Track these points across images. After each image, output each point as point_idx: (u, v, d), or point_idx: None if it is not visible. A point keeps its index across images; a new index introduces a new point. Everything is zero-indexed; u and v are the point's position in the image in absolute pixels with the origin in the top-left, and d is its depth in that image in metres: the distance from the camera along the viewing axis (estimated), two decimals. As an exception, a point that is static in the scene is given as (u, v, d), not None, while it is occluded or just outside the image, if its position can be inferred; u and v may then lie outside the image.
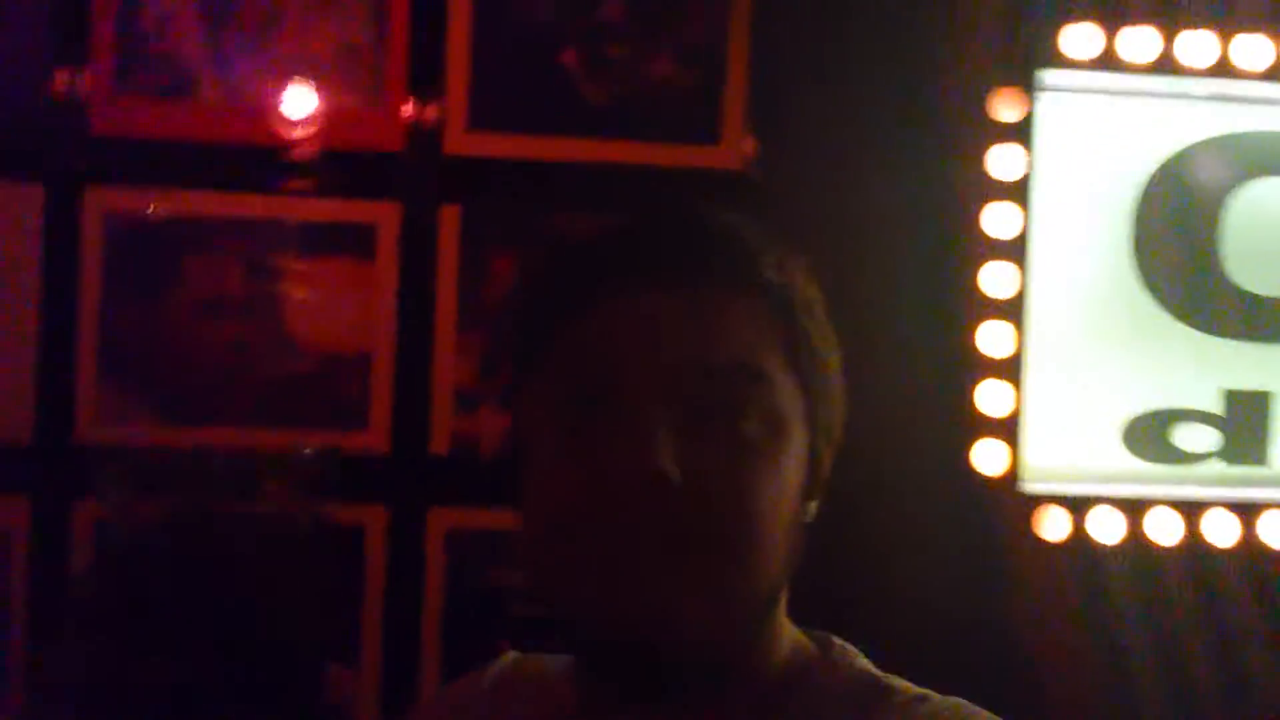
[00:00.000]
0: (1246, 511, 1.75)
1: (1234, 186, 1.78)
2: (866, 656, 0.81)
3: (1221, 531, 1.73)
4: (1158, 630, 1.69)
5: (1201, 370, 1.80)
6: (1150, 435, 1.79)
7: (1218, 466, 1.80)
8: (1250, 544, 1.73)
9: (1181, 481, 1.78)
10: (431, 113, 1.61)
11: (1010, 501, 1.69)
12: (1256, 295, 1.79)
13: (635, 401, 0.73)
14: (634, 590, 0.70)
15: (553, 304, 0.78)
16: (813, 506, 0.79)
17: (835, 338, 0.81)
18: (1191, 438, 1.80)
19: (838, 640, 0.82)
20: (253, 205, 1.63)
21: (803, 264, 0.81)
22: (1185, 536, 1.71)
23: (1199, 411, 1.80)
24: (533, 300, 0.81)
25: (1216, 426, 1.80)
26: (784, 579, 0.78)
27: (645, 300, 0.76)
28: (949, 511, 1.67)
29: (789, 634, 0.81)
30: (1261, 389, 1.81)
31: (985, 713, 0.76)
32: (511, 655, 0.89)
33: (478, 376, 1.63)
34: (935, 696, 0.78)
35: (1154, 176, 1.76)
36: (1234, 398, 1.80)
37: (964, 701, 0.77)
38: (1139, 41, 1.69)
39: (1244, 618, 1.70)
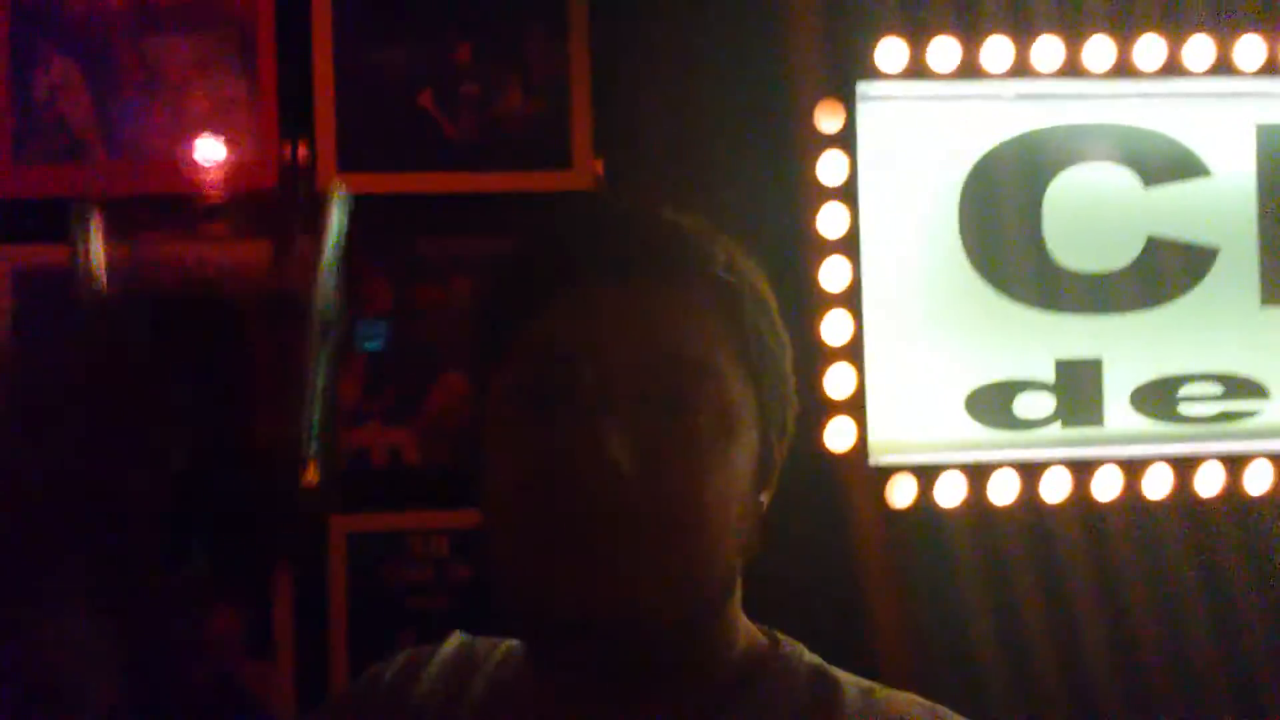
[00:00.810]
0: (1081, 469, 1.91)
1: (1050, 175, 1.95)
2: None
3: (1057, 489, 1.89)
4: (999, 586, 1.84)
5: (1035, 343, 1.96)
6: (992, 405, 1.95)
7: (1057, 430, 1.97)
8: (1083, 499, 1.89)
9: (1024, 446, 1.94)
10: (303, 156, 1.77)
11: (860, 475, 1.85)
12: (1080, 272, 1.96)
13: (588, 395, 0.75)
14: (587, 574, 0.72)
15: (508, 300, 0.81)
16: (765, 498, 0.82)
17: (786, 335, 0.84)
18: (1030, 405, 1.96)
19: (782, 636, 0.85)
20: (143, 251, 1.77)
21: (752, 264, 0.83)
22: (1022, 495, 1.88)
23: (1035, 381, 1.96)
24: (489, 298, 0.84)
25: (1052, 393, 1.96)
26: (737, 569, 0.79)
27: (599, 295, 0.78)
28: (806, 489, 1.82)
29: (744, 626, 0.83)
30: (1092, 356, 1.97)
31: (931, 704, 0.81)
32: (459, 637, 0.92)
33: (363, 395, 1.78)
34: (880, 689, 0.81)
35: (974, 172, 1.92)
36: (1066, 366, 1.97)
37: (911, 695, 0.81)
38: (944, 51, 1.86)
39: (1078, 569, 1.86)
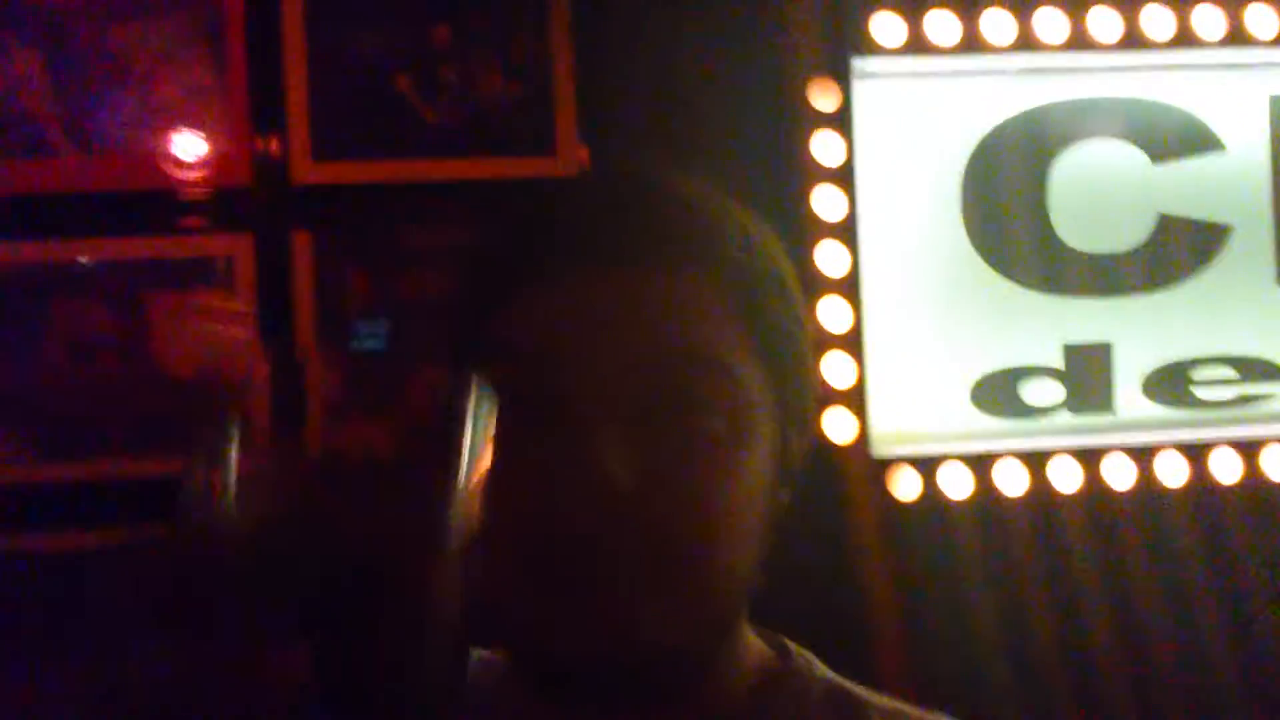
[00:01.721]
0: (1090, 456, 1.84)
1: (1055, 153, 1.88)
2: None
3: (1066, 478, 1.83)
4: (1008, 580, 1.77)
5: (1042, 328, 1.89)
6: (998, 393, 1.88)
7: (1065, 417, 1.90)
8: (1094, 487, 1.82)
9: (1031, 435, 1.87)
10: (277, 146, 1.70)
11: (861, 467, 1.78)
12: (1087, 253, 1.89)
13: (576, 402, 0.66)
14: (587, 608, 0.65)
15: (484, 294, 0.71)
16: (785, 495, 0.74)
17: (806, 316, 0.75)
18: (1038, 392, 1.89)
19: (792, 645, 0.78)
20: (115, 248, 1.71)
21: (769, 235, 0.74)
22: (1031, 485, 1.81)
23: (1043, 367, 1.89)
24: (463, 291, 0.74)
25: (1060, 380, 1.89)
26: (753, 582, 0.72)
27: (590, 284, 0.68)
28: (806, 482, 1.76)
29: (751, 642, 0.76)
30: (1101, 340, 1.90)
31: None
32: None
33: (344, 390, 1.71)
34: (907, 709, 0.75)
35: (976, 151, 1.85)
36: (1074, 351, 1.90)
37: (941, 716, 0.75)
38: (942, 24, 1.79)
39: (1089, 561, 1.80)
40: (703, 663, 0.71)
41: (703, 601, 0.68)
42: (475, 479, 0.57)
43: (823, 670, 0.77)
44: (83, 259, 1.71)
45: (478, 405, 0.58)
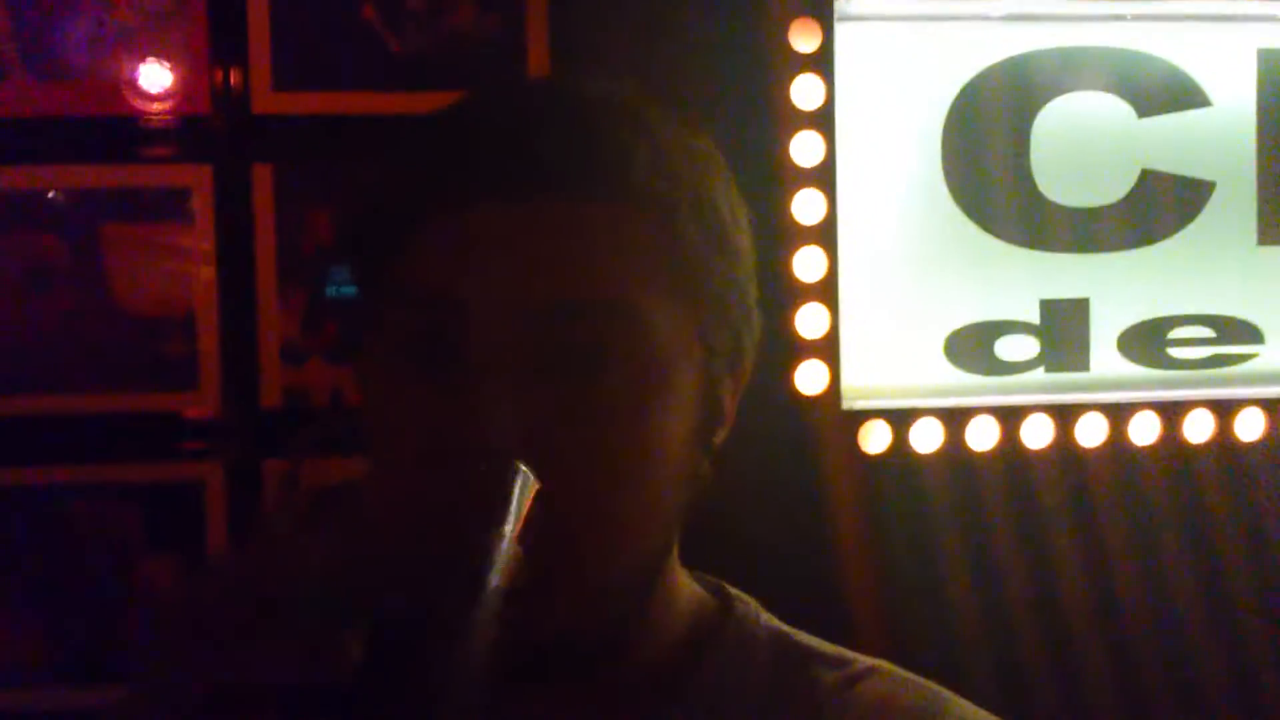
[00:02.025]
0: (1064, 414, 1.82)
1: (1039, 104, 1.84)
2: (707, 577, 0.74)
3: (1039, 435, 1.81)
4: (975, 532, 1.76)
5: (1020, 282, 1.86)
6: (972, 348, 1.85)
7: (1040, 374, 1.87)
8: (1066, 445, 1.80)
9: (1005, 392, 1.84)
10: (237, 75, 1.65)
11: (833, 419, 1.76)
12: (1068, 207, 1.86)
13: (465, 351, 0.61)
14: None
15: (374, 235, 0.66)
16: (720, 435, 0.69)
17: (745, 239, 0.68)
18: (1013, 348, 1.86)
19: (732, 590, 0.74)
20: (70, 177, 1.66)
21: (700, 149, 0.67)
22: (1002, 441, 1.79)
23: (1019, 322, 1.86)
24: (353, 232, 0.69)
25: (1036, 336, 1.86)
26: (670, 535, 0.68)
27: (480, 221, 0.62)
28: (775, 433, 1.74)
29: (686, 590, 0.72)
30: (1078, 296, 1.87)
31: (909, 675, 0.71)
32: None
33: (302, 330, 1.67)
34: (856, 660, 0.71)
35: (958, 98, 1.81)
36: (1052, 307, 1.87)
37: (888, 666, 0.72)
38: (927, -34, 1.74)
39: (1060, 518, 1.78)
40: (615, 632, 0.66)
41: (605, 575, 0.63)
42: (519, 529, 0.56)
43: (766, 617, 0.73)
44: (39, 188, 1.65)
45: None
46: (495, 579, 0.54)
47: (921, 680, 0.71)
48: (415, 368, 0.62)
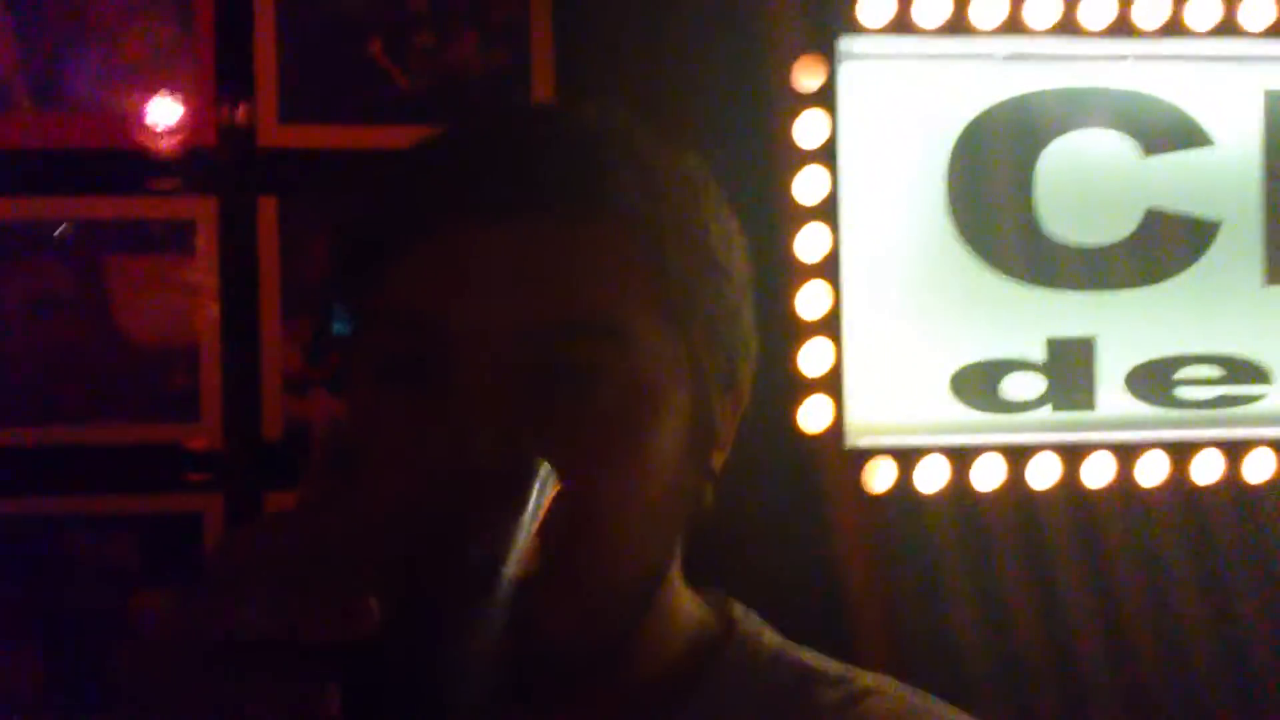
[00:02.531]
0: (1071, 454, 1.81)
1: (1044, 142, 1.84)
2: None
3: (1045, 475, 1.79)
4: (981, 573, 1.74)
5: (1026, 320, 1.85)
6: (978, 386, 1.84)
7: (1047, 413, 1.86)
8: (1073, 486, 1.78)
9: (1011, 430, 1.83)
10: (243, 108, 1.66)
11: (836, 457, 1.74)
12: (1073, 245, 1.85)
13: (448, 374, 0.60)
14: None
15: (358, 259, 0.65)
16: (717, 460, 0.69)
17: (738, 263, 0.68)
18: (1019, 386, 1.85)
19: (738, 607, 0.73)
20: (75, 208, 1.67)
21: (690, 172, 0.67)
22: (1009, 481, 1.77)
23: (1024, 361, 1.85)
24: (339, 256, 0.69)
25: (1042, 374, 1.85)
26: (665, 559, 0.68)
27: (465, 243, 0.62)
28: (778, 470, 1.72)
29: (686, 609, 0.71)
30: (1084, 335, 1.87)
31: (912, 693, 0.70)
32: None
33: (305, 361, 1.67)
34: (859, 678, 0.70)
35: (962, 136, 1.81)
36: (1057, 345, 1.86)
37: (892, 682, 0.71)
38: (929, 5, 1.75)
39: (1066, 558, 1.76)
40: (610, 650, 0.65)
41: (594, 596, 0.62)
42: (537, 526, 0.56)
43: (770, 637, 0.72)
44: (44, 219, 1.66)
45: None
46: (511, 567, 0.54)
47: (925, 697, 0.70)
48: (401, 392, 0.61)
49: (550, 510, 0.58)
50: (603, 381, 0.62)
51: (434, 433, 0.59)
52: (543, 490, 0.57)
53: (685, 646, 0.70)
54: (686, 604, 0.71)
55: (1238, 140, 1.85)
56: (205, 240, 1.65)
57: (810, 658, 0.71)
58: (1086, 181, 1.84)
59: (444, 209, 0.62)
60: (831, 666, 0.71)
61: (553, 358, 0.61)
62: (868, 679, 0.70)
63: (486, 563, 0.54)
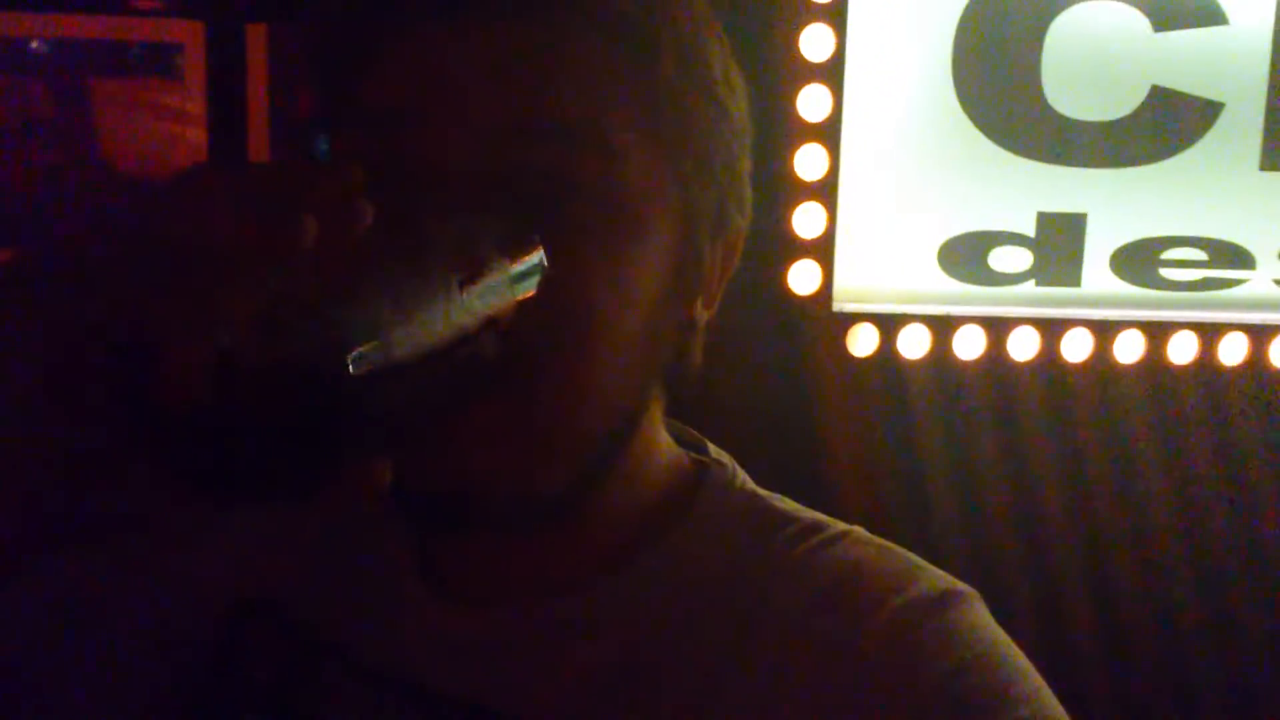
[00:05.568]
0: (1051, 328, 1.82)
1: (1054, 12, 1.80)
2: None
3: (1024, 347, 1.81)
4: (956, 437, 1.78)
5: (1018, 193, 1.84)
6: (966, 257, 1.84)
7: (1031, 287, 1.87)
8: (1051, 359, 1.81)
9: (994, 303, 1.84)
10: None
11: (822, 320, 1.75)
12: (1075, 120, 1.83)
13: (423, 180, 0.57)
14: (428, 437, 0.53)
15: (334, 59, 0.63)
16: (703, 314, 0.66)
17: (739, 108, 0.65)
18: (1006, 259, 1.85)
19: (713, 450, 0.72)
20: (59, 26, 1.60)
21: (698, 8, 0.64)
22: (988, 350, 1.79)
23: (1014, 234, 1.85)
24: (314, 57, 0.67)
25: (1029, 248, 1.86)
26: (636, 407, 0.65)
27: (444, 39, 0.59)
28: (767, 330, 1.73)
29: (664, 454, 0.70)
30: (1077, 211, 1.86)
31: (884, 541, 0.70)
32: None
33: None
34: (831, 525, 0.70)
35: (973, 1, 1.77)
36: (1048, 220, 1.86)
37: (862, 532, 0.70)
38: None
39: (1039, 427, 1.80)
40: (582, 488, 0.63)
41: (564, 430, 0.60)
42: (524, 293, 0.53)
43: (743, 480, 0.72)
44: (27, 35, 1.60)
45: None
46: (479, 291, 0.50)
47: (895, 547, 0.70)
48: (378, 196, 0.57)
49: (529, 302, 0.53)
50: (582, 193, 0.58)
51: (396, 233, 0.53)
52: (535, 265, 0.54)
53: (658, 488, 0.69)
54: (664, 447, 0.70)
55: (1249, 21, 1.82)
56: (192, 66, 1.60)
57: (782, 504, 0.71)
58: (1094, 54, 1.81)
59: (423, 10, 0.59)
60: (804, 513, 0.71)
61: (530, 164, 0.57)
62: (840, 526, 0.70)
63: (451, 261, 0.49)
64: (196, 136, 1.62)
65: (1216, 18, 1.81)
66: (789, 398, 1.74)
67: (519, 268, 0.54)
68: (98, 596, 0.66)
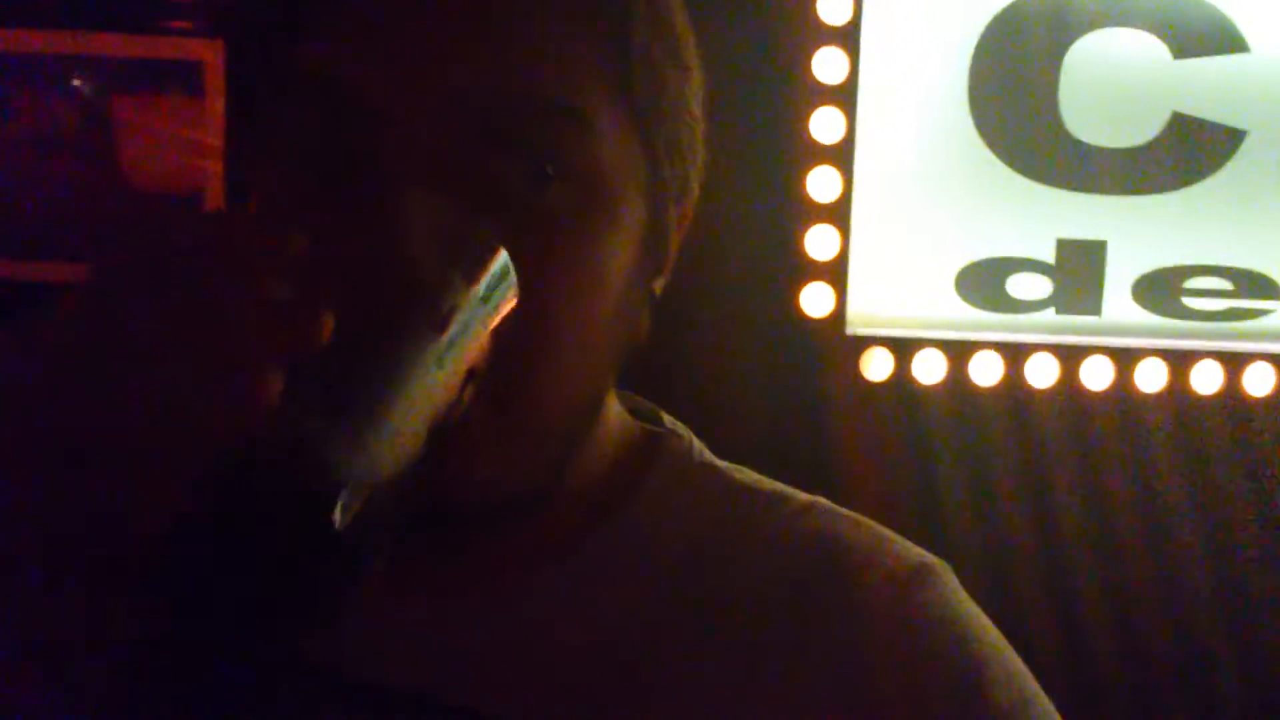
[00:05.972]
0: (1070, 355, 1.80)
1: (1074, 37, 1.79)
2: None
3: (1043, 374, 1.79)
4: (972, 464, 1.75)
5: (1037, 219, 1.83)
6: (983, 284, 1.83)
7: (1050, 315, 1.85)
8: (1070, 386, 1.78)
9: (1012, 330, 1.82)
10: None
11: (835, 343, 1.74)
12: (1094, 146, 1.82)
13: (385, 151, 0.52)
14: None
15: (273, 16, 0.56)
16: (659, 284, 0.64)
17: (695, 63, 0.61)
18: (1025, 286, 1.84)
19: (668, 420, 0.69)
20: (84, 43, 1.64)
21: None
22: (1005, 377, 1.77)
23: (1033, 260, 1.84)
24: (249, 13, 0.60)
25: (1049, 275, 1.84)
26: (605, 384, 0.63)
27: (403, 2, 0.53)
28: (779, 353, 1.72)
29: (616, 429, 0.67)
30: (1096, 238, 1.85)
31: (850, 512, 0.68)
32: None
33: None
34: (794, 497, 0.68)
35: (990, 25, 1.77)
36: (1067, 247, 1.84)
37: (826, 503, 0.68)
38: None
39: (1057, 454, 1.77)
40: (545, 482, 0.60)
41: (550, 431, 0.57)
42: (494, 320, 0.49)
43: (699, 450, 0.68)
44: (51, 51, 1.64)
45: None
46: (454, 335, 0.46)
47: (862, 518, 0.68)
48: (318, 179, 0.53)
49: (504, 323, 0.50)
50: (557, 169, 0.53)
51: (359, 221, 0.50)
52: (502, 277, 0.50)
53: (613, 461, 0.65)
54: (612, 418, 0.66)
55: (1271, 48, 1.81)
56: (213, 84, 1.63)
57: (743, 475, 0.69)
58: (1113, 81, 1.80)
59: None
60: (766, 484, 0.68)
61: (498, 137, 0.52)
62: (804, 497, 0.68)
63: (428, 312, 0.45)
64: (217, 153, 1.65)
65: (1238, 45, 1.80)
66: (801, 421, 1.72)
67: (485, 289, 0.50)
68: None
